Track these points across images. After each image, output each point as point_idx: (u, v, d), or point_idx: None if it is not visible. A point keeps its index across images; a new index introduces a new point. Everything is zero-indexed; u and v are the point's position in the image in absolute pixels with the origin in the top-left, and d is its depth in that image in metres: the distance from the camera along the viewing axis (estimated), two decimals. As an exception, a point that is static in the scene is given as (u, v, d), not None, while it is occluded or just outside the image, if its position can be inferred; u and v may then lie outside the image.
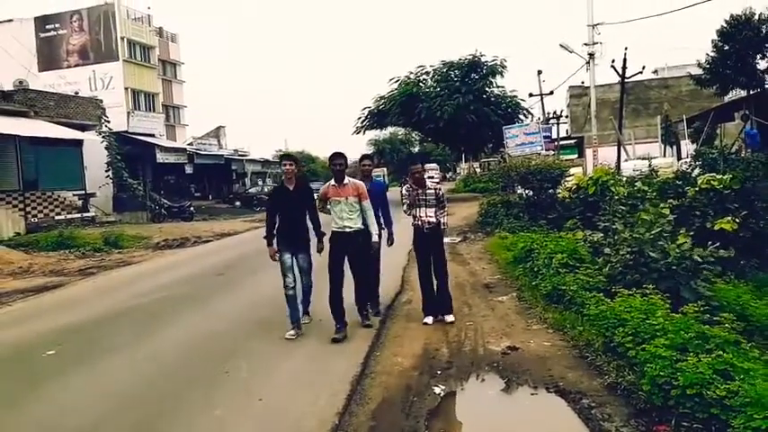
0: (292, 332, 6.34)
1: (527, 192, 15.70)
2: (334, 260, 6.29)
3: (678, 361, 3.81)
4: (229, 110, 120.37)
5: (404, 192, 6.85)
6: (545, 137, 27.92)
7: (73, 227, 20.68)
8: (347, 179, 6.36)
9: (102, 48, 32.39)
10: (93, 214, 24.87)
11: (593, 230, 9.89)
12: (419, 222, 6.70)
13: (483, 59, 29.35)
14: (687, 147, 26.19)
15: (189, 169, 34.67)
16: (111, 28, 32.25)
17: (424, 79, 30.55)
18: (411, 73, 30.52)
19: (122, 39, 32.28)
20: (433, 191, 6.73)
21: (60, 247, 16.61)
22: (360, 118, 32.58)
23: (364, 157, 7.81)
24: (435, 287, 6.83)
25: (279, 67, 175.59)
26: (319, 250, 6.49)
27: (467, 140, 31.38)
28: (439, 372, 5.23)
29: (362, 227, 6.36)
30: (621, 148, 23.76)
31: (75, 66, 32.49)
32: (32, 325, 7.76)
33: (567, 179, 14.93)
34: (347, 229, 6.30)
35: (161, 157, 31.88)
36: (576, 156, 30.87)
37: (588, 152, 26.92)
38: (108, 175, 26.84)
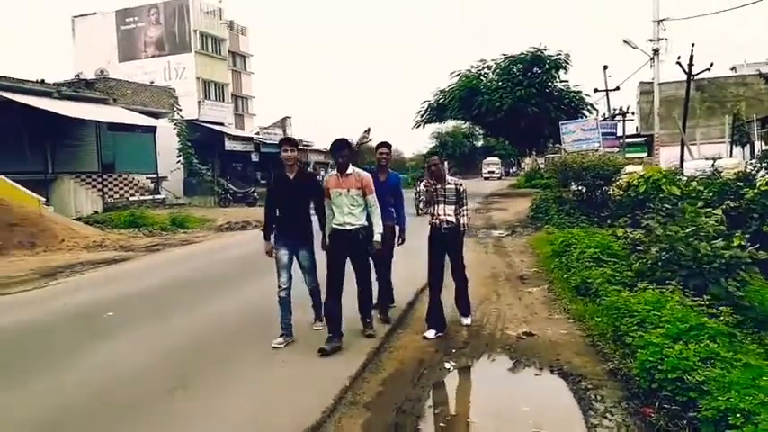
0: (280, 339, 5.59)
1: (580, 188, 15.60)
2: (333, 261, 5.53)
3: (668, 348, 3.98)
4: (296, 101, 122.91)
5: (420, 188, 6.13)
6: (609, 134, 27.36)
7: (144, 207, 22.08)
8: (351, 169, 5.56)
9: (176, 39, 34.08)
10: (164, 197, 26.32)
11: (635, 228, 9.87)
12: (436, 221, 5.97)
13: (546, 54, 28.97)
14: (761, 148, 25.00)
15: (255, 157, 35.95)
16: (185, 21, 33.86)
17: (485, 73, 30.51)
18: (472, 67, 30.56)
19: (195, 31, 33.84)
20: (453, 186, 5.98)
21: (131, 226, 17.85)
22: (419, 112, 32.88)
23: (382, 144, 6.74)
24: (454, 294, 6.40)
25: (344, 59, 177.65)
26: (324, 248, 5.65)
27: (526, 135, 31.06)
28: (453, 350, 5.54)
29: (366, 224, 5.59)
30: (685, 148, 22.98)
31: (152, 57, 34.34)
32: (98, 291, 8.61)
33: (622, 177, 14.73)
34: (348, 226, 5.50)
35: (229, 145, 33.25)
36: (646, 154, 29.99)
37: (659, 150, 26.13)
38: (179, 161, 28.30)
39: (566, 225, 13.26)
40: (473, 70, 30.49)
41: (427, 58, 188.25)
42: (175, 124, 28.11)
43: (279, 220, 5.71)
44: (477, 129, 52.57)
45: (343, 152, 5.58)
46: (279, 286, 5.63)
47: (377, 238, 5.61)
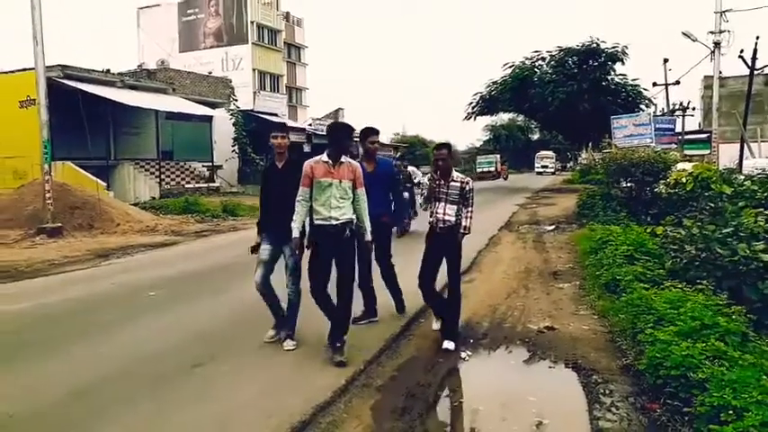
0: (272, 333, 5.37)
1: (628, 185, 15.26)
2: (318, 262, 4.91)
3: (675, 345, 3.99)
4: (349, 93, 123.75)
5: (425, 181, 5.83)
6: (667, 130, 26.48)
7: (199, 195, 22.96)
8: (344, 158, 4.95)
9: (234, 31, 35.06)
10: (219, 185, 27.22)
11: (680, 228, 9.64)
12: (433, 220, 5.47)
13: (602, 46, 28.23)
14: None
15: (307, 148, 36.55)
16: (242, 12, 34.78)
17: (539, 65, 30.03)
18: (526, 58, 30.10)
19: (252, 23, 34.72)
20: (458, 184, 5.40)
21: (185, 212, 18.63)
22: (471, 103, 32.65)
23: (369, 131, 6.06)
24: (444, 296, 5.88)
25: (398, 51, 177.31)
26: (297, 247, 4.96)
27: (579, 129, 30.41)
28: (472, 341, 5.65)
29: (353, 218, 4.98)
30: (745, 146, 22.01)
31: (210, 47, 35.47)
32: (145, 272, 9.14)
33: (672, 174, 14.32)
34: (334, 221, 4.86)
35: (281, 136, 33.98)
36: (708, 152, 28.87)
37: (721, 148, 25.11)
38: (234, 150, 29.17)
39: (611, 222, 13.03)
40: (527, 62, 30.05)
41: (482, 50, 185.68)
42: (231, 114, 28.96)
43: (266, 211, 5.32)
44: (533, 122, 51.67)
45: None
46: (255, 280, 5.24)
47: (368, 237, 5.07)
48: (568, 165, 74.22)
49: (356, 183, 4.97)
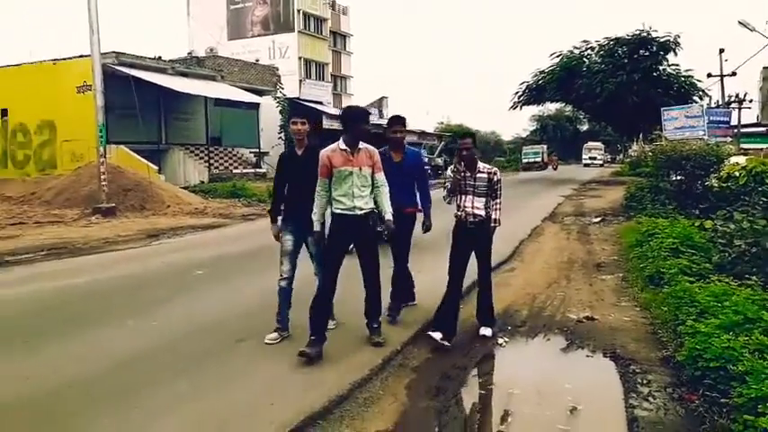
0: (274, 335, 5.02)
1: (678, 178, 14.86)
2: (333, 251, 4.78)
3: (715, 338, 3.94)
4: (393, 81, 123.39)
5: (448, 173, 5.35)
6: (722, 122, 25.52)
7: (246, 180, 23.46)
8: (361, 144, 4.80)
9: (280, 19, 35.47)
10: (265, 170, 27.71)
11: (726, 222, 9.37)
12: (462, 214, 5.19)
13: (654, 35, 27.34)
14: None
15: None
16: (289, 1, 35.09)
17: (588, 54, 29.33)
18: (575, 48, 29.43)
19: (299, 11, 35.04)
20: (485, 175, 5.14)
21: (232, 196, 19.11)
22: (517, 93, 32.23)
23: (394, 120, 5.87)
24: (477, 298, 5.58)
25: (444, 39, 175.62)
26: (318, 240, 4.88)
27: (628, 120, 29.61)
28: (509, 328, 5.68)
29: (372, 207, 4.84)
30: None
31: (258, 36, 35.97)
32: (193, 252, 9.49)
33: (724, 168, 13.87)
34: (358, 212, 4.73)
35: (327, 124, 34.22)
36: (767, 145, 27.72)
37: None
38: (280, 137, 29.60)
39: (659, 215, 12.73)
40: (575, 51, 29.40)
41: (530, 39, 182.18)
42: (278, 102, 29.40)
43: (286, 201, 5.08)
44: (582, 112, 50.63)
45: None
46: (280, 275, 5.06)
47: (389, 220, 4.82)
48: (618, 157, 72.29)
49: (375, 168, 4.83)
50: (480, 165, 5.17)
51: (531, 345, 5.30)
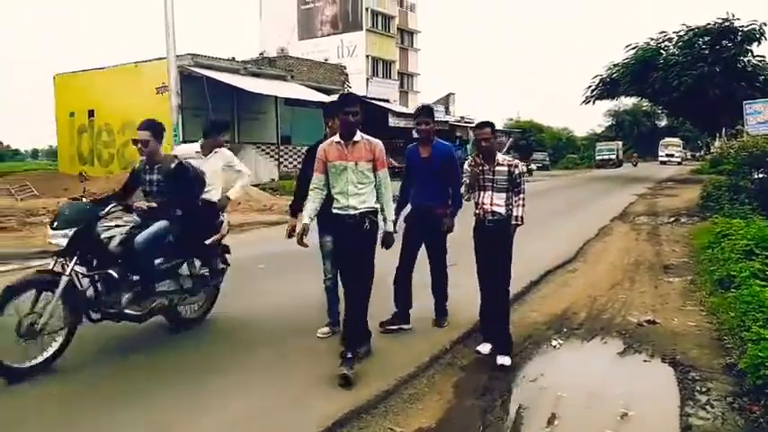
0: (325, 329, 5.09)
1: (760, 176, 13.99)
2: (333, 257, 4.70)
3: (782, 345, 3.72)
4: (461, 78, 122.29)
5: (465, 167, 4.79)
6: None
7: (312, 177, 23.95)
8: (359, 135, 4.29)
9: (349, 18, 35.92)
10: (331, 168, 28.18)
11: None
12: (480, 212, 4.74)
13: (737, 24, 25.72)
14: None
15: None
16: (358, -1, 35.50)
17: (665, 46, 27.97)
18: (651, 39, 28.15)
19: (367, 9, 35.35)
20: (505, 168, 4.64)
21: (299, 194, 19.54)
22: (589, 87, 31.23)
23: (419, 112, 5.46)
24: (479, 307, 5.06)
25: (512, 36, 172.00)
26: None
27: (709, 115, 28.04)
28: (565, 330, 5.57)
29: (375, 207, 4.36)
30: None
31: (327, 35, 36.58)
32: (258, 247, 9.81)
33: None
34: (352, 211, 4.28)
35: (392, 122, 34.47)
36: None
37: None
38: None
39: (737, 216, 12.04)
40: (651, 43, 28.12)
41: (605, 31, 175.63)
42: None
43: (325, 201, 4.47)
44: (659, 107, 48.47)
45: (355, 111, 4.23)
46: (324, 275, 5.10)
47: (388, 227, 4.41)
48: (698, 154, 68.65)
49: (377, 163, 4.30)
50: (500, 156, 4.69)
51: (586, 347, 5.18)
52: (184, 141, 20.62)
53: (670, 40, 27.87)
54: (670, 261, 8.86)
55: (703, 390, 4.15)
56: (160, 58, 21.50)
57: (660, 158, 57.16)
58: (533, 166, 40.86)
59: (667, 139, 59.75)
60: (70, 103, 27.37)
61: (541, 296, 6.82)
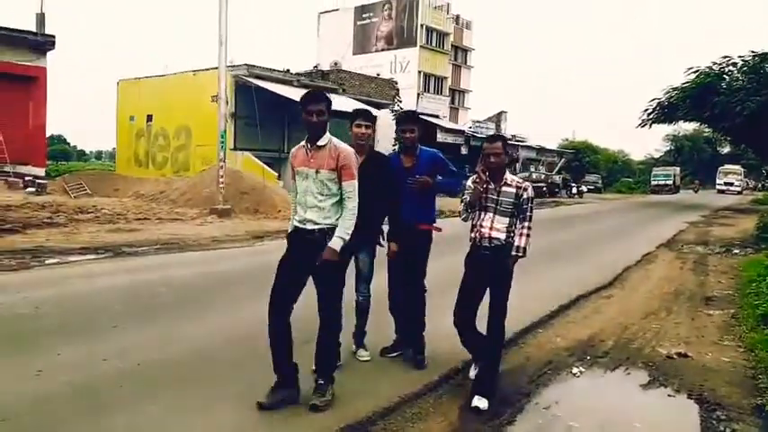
0: (366, 353, 4.86)
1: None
2: (279, 278, 3.93)
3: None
4: (513, 96, 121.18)
5: (468, 183, 4.17)
6: None
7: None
8: (326, 138, 3.76)
9: (404, 34, 36.21)
10: (377, 181, 28.32)
11: None
12: (476, 235, 4.15)
13: (809, 48, 24.50)
14: None
15: (464, 150, 36.65)
16: (413, 16, 35.77)
17: (729, 71, 26.90)
18: (714, 63, 27.12)
19: (422, 26, 35.55)
20: (512, 189, 4.08)
21: (340, 205, 19.72)
22: (646, 110, 30.33)
23: (402, 119, 4.89)
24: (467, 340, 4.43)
25: (568, 56, 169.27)
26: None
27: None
28: (588, 358, 5.34)
29: (336, 224, 3.77)
30: None
31: (381, 50, 36.96)
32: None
33: None
34: (309, 225, 3.78)
35: (440, 137, 34.40)
36: None
37: None
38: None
39: (797, 249, 11.40)
40: (714, 67, 27.10)
41: (666, 54, 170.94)
42: (394, 115, 29.95)
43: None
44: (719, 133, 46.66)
45: (319, 109, 3.72)
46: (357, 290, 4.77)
47: (334, 243, 3.71)
48: (760, 184, 65.65)
49: (342, 172, 3.71)
50: (509, 176, 4.12)
51: (607, 377, 4.94)
52: (241, 149, 21.20)
53: (734, 64, 26.79)
54: (713, 292, 8.42)
55: (727, 430, 3.89)
56: (215, 68, 22.24)
57: (718, 186, 54.83)
58: (584, 188, 39.96)
59: (727, 167, 57.29)
60: (131, 108, 28.56)
61: (569, 321, 6.58)
